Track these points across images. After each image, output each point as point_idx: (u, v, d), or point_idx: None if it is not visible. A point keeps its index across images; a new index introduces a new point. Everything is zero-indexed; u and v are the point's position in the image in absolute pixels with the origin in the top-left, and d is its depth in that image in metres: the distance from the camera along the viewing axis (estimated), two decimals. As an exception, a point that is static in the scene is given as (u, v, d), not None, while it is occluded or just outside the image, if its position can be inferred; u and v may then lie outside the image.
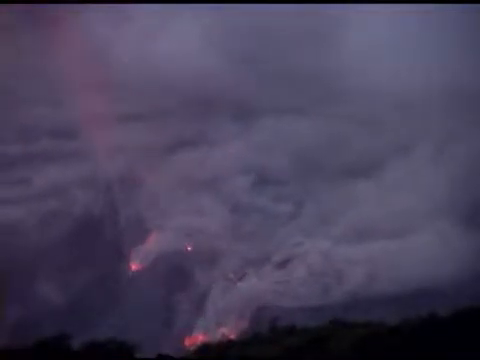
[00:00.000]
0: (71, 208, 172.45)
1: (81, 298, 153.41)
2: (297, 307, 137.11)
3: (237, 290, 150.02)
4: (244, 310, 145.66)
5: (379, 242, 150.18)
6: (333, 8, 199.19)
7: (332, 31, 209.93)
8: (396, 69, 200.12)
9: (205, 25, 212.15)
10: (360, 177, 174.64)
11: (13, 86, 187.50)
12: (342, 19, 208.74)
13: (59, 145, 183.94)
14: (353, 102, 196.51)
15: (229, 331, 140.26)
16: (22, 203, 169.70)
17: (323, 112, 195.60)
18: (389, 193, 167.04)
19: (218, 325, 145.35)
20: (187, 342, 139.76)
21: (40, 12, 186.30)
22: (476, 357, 35.33)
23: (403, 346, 36.64)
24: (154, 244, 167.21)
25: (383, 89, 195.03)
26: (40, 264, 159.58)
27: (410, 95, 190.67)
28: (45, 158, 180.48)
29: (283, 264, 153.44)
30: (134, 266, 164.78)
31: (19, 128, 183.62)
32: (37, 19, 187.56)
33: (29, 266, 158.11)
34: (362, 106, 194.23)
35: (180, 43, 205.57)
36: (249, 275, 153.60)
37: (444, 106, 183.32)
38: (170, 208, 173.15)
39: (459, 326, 37.33)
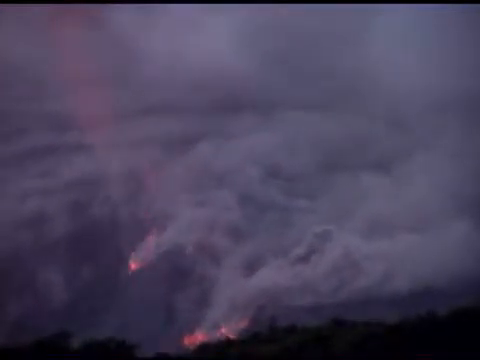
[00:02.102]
0: (77, 204, 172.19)
1: (81, 297, 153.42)
2: (297, 306, 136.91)
3: (244, 287, 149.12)
4: (250, 307, 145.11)
5: (395, 239, 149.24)
6: (361, 7, 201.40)
7: (359, 30, 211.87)
8: (420, 68, 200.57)
9: (235, 24, 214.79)
10: (379, 173, 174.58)
11: (43, 79, 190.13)
12: (369, 18, 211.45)
13: (83, 137, 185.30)
14: (376, 100, 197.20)
15: (229, 330, 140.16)
16: (31, 198, 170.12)
17: (345, 109, 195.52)
18: (407, 189, 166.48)
19: (220, 323, 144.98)
20: (187, 341, 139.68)
21: (74, 10, 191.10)
22: (475, 356, 35.42)
23: (402, 345, 36.71)
24: (155, 242, 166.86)
25: (407, 88, 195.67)
26: (40, 261, 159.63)
27: (434, 93, 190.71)
28: (67, 150, 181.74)
29: (298, 260, 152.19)
30: (134, 265, 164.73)
31: (48, 120, 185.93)
32: (70, 17, 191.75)
33: (29, 263, 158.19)
34: (385, 104, 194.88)
35: (210, 41, 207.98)
36: (258, 271, 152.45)
37: (466, 105, 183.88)
38: (176, 203, 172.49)
39: (458, 325, 37.43)
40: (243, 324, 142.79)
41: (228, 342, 49.69)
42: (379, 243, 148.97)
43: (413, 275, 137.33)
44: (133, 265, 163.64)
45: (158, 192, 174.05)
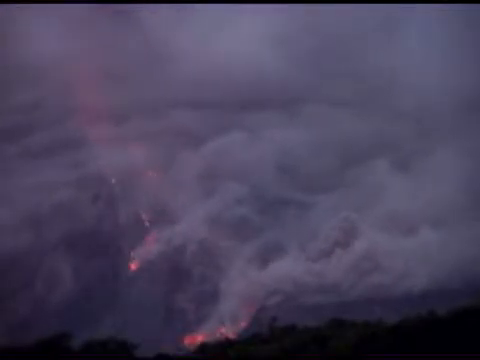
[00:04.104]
0: (77, 203, 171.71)
1: (81, 297, 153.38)
2: (297, 306, 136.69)
3: (251, 284, 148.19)
4: (256, 305, 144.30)
5: (415, 236, 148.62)
6: (390, 7, 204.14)
7: (389, 29, 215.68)
8: (446, 68, 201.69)
9: (264, 24, 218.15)
10: (399, 170, 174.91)
11: (75, 74, 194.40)
12: (397, 18, 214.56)
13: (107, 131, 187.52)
14: (400, 99, 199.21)
15: (229, 330, 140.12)
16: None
17: (369, 107, 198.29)
18: (427, 187, 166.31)
19: (225, 322, 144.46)
20: (187, 341, 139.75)
21: (108, 9, 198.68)
22: (475, 357, 35.40)
23: (402, 346, 36.71)
24: (156, 241, 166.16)
25: (431, 87, 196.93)
26: (39, 262, 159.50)
27: (458, 93, 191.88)
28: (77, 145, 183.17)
29: (313, 255, 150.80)
30: (134, 265, 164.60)
31: (77, 113, 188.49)
32: (104, 16, 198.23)
33: (29, 264, 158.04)
34: (408, 102, 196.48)
35: (240, 41, 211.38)
36: (267, 268, 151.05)
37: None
38: (185, 198, 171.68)
39: (459, 325, 37.42)
40: (243, 324, 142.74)
41: (228, 342, 49.66)
42: (398, 240, 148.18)
43: (430, 273, 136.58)
44: (133, 265, 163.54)
45: (169, 186, 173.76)
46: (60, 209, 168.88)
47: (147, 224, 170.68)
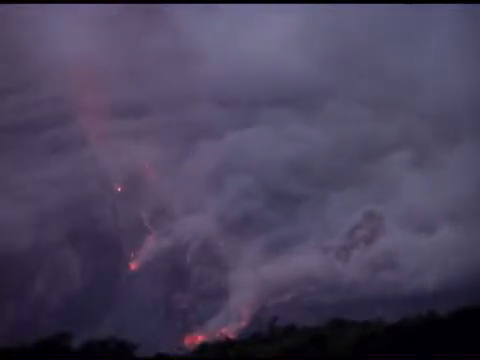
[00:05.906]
0: (78, 202, 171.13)
1: (81, 297, 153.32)
2: (297, 306, 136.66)
3: (256, 284, 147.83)
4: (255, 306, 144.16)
5: (431, 233, 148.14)
6: (413, 7, 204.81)
7: (412, 29, 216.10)
8: (470, 67, 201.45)
9: (288, 22, 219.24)
10: (417, 167, 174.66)
11: (97, 72, 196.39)
12: (421, 17, 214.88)
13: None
14: (423, 97, 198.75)
15: (229, 330, 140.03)
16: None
17: (391, 106, 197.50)
18: (445, 185, 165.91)
19: (225, 323, 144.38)
20: (187, 341, 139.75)
21: (136, 8, 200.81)
22: (475, 357, 35.41)
23: (402, 346, 36.73)
24: (157, 239, 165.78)
25: (456, 86, 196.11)
26: (39, 262, 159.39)
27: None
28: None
29: (325, 251, 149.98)
30: (134, 265, 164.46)
31: (89, 111, 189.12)
32: (134, 14, 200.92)
33: (28, 264, 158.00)
34: (431, 101, 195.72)
35: (263, 39, 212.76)
36: (277, 265, 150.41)
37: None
38: (194, 195, 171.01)
39: (459, 325, 37.44)
40: (243, 324, 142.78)
41: (228, 342, 49.68)
42: (415, 237, 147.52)
43: (444, 272, 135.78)
44: (133, 265, 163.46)
45: (175, 184, 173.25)
46: (62, 207, 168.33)
47: (148, 222, 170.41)
